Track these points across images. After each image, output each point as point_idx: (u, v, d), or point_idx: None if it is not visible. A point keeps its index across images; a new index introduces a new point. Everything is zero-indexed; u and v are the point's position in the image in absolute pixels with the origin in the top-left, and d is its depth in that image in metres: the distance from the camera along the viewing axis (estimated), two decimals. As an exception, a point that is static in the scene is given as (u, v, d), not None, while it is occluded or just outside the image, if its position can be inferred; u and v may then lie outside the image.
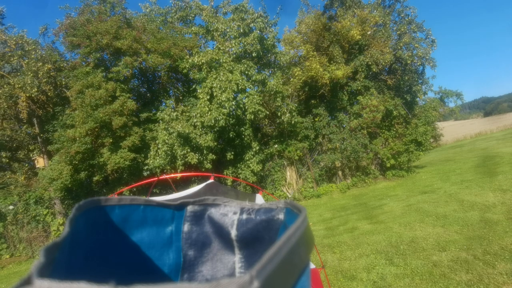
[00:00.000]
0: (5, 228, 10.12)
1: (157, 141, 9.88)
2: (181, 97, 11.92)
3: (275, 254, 0.22)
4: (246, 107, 9.95)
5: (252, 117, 10.04)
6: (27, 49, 10.49)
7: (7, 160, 11.71)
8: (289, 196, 12.15)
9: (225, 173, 10.67)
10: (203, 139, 9.48)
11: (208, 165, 9.90)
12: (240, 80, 9.80)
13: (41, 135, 11.24)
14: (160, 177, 3.37)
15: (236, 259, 0.46)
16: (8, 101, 10.22)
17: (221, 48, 10.62)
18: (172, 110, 10.25)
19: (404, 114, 13.12)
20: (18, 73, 10.60)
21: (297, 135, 12.55)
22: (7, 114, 10.77)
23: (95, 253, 0.36)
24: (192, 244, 0.47)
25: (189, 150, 9.68)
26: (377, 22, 12.38)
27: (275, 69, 11.78)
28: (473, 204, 6.64)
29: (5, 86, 10.14)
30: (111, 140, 9.48)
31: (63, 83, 10.70)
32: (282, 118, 11.12)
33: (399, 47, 12.63)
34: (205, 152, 9.77)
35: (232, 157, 10.70)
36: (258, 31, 10.51)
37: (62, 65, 10.99)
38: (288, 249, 0.23)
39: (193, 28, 11.50)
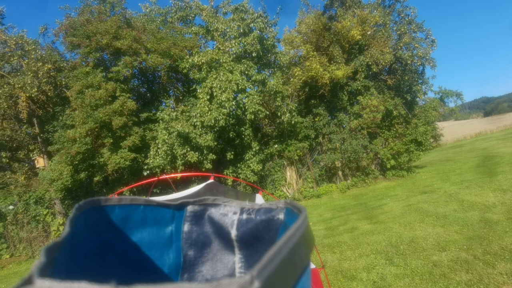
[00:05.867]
0: (5, 228, 10.12)
1: (157, 141, 9.88)
2: (181, 97, 11.92)
3: (276, 254, 0.22)
4: (246, 107, 9.95)
5: (252, 117, 10.04)
6: (27, 49, 10.48)
7: (7, 160, 11.71)
8: (289, 196, 12.15)
9: (225, 173, 10.67)
10: (203, 139, 9.49)
11: (208, 165, 9.90)
12: (240, 80, 9.80)
13: (41, 135, 11.23)
14: (160, 177, 3.37)
15: (236, 259, 0.46)
16: (8, 101, 10.21)
17: (221, 48, 10.62)
18: (172, 110, 10.26)
19: (404, 114, 13.13)
20: (18, 73, 10.58)
21: (297, 135, 12.55)
22: (7, 114, 10.76)
23: (95, 253, 0.36)
24: (192, 244, 0.47)
25: (189, 149, 9.69)
26: (377, 22, 12.38)
27: (275, 69, 11.78)
28: (473, 204, 6.64)
29: (5, 86, 10.13)
30: (111, 140, 9.47)
31: (63, 83, 10.69)
32: (282, 118, 11.12)
33: (399, 47, 12.63)
34: (205, 151, 9.77)
35: (232, 157, 10.70)
36: (258, 31, 10.51)
37: (62, 65, 10.98)
38: (288, 249, 0.23)
39: (193, 28, 11.50)
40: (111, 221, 0.38)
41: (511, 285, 3.46)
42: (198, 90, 9.92)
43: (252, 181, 10.43)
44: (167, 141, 9.62)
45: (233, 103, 9.70)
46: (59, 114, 10.79)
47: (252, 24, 10.57)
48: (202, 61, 9.89)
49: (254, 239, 0.44)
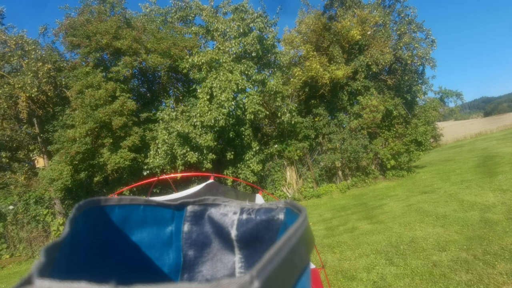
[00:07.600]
0: (5, 228, 10.11)
1: (157, 141, 9.89)
2: (181, 97, 11.92)
3: (276, 254, 0.22)
4: (246, 107, 9.95)
5: (252, 117, 10.04)
6: (27, 49, 10.47)
7: (7, 160, 11.71)
8: (289, 196, 12.15)
9: (225, 173, 10.67)
10: (203, 139, 9.49)
11: (208, 165, 9.90)
12: (240, 80, 9.80)
13: (41, 135, 11.23)
14: (160, 177, 3.37)
15: (236, 259, 0.46)
16: (8, 101, 10.20)
17: (221, 48, 10.62)
18: (172, 110, 10.26)
19: (404, 114, 13.13)
20: (18, 73, 10.58)
21: (297, 135, 12.55)
22: (7, 114, 10.75)
23: (95, 253, 0.36)
24: (192, 244, 0.47)
25: (188, 149, 9.69)
26: (377, 22, 12.38)
27: (275, 69, 11.78)
28: (473, 204, 6.64)
29: (5, 86, 10.12)
30: (111, 140, 9.47)
31: (63, 83, 10.69)
32: (282, 118, 11.12)
33: (399, 47, 12.63)
34: (205, 151, 9.77)
35: (232, 157, 10.70)
36: (258, 31, 10.51)
37: (62, 65, 10.98)
38: (288, 249, 0.23)
39: (193, 28, 11.50)
40: (111, 221, 0.38)
41: (511, 285, 3.46)
42: (198, 90, 9.92)
43: (252, 181, 10.43)
44: (167, 141, 9.62)
45: (233, 103, 9.70)
46: (59, 114, 10.79)
47: (252, 24, 10.57)
48: (202, 61, 9.88)
49: (254, 239, 0.44)
